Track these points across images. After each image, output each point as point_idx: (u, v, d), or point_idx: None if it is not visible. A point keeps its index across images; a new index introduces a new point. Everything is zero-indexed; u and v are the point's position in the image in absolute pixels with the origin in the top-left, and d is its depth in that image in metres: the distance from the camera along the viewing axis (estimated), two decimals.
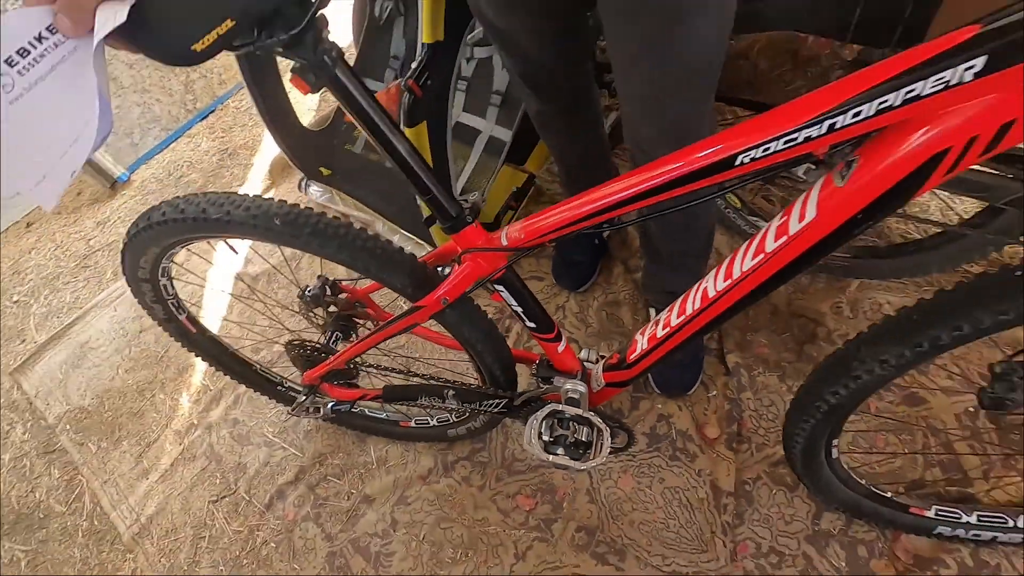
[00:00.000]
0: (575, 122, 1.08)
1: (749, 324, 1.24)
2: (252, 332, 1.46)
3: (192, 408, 1.47)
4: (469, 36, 1.20)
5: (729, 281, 0.59)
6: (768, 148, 0.45)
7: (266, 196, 0.74)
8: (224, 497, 1.31)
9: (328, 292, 0.92)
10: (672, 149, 0.50)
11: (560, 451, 0.81)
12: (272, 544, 1.22)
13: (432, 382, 0.93)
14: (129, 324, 1.67)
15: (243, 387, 1.45)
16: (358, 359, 0.95)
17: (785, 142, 0.44)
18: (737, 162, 0.46)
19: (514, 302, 0.72)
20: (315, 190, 1.74)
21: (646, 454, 1.14)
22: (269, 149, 2.02)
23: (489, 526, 1.14)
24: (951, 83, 0.37)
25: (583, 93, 1.03)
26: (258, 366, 1.23)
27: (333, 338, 0.95)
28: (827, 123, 0.42)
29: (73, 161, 0.47)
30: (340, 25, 1.67)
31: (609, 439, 0.79)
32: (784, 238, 0.53)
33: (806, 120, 0.43)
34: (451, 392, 0.92)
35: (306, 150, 1.68)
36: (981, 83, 0.37)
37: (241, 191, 1.53)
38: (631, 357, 0.76)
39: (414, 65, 1.11)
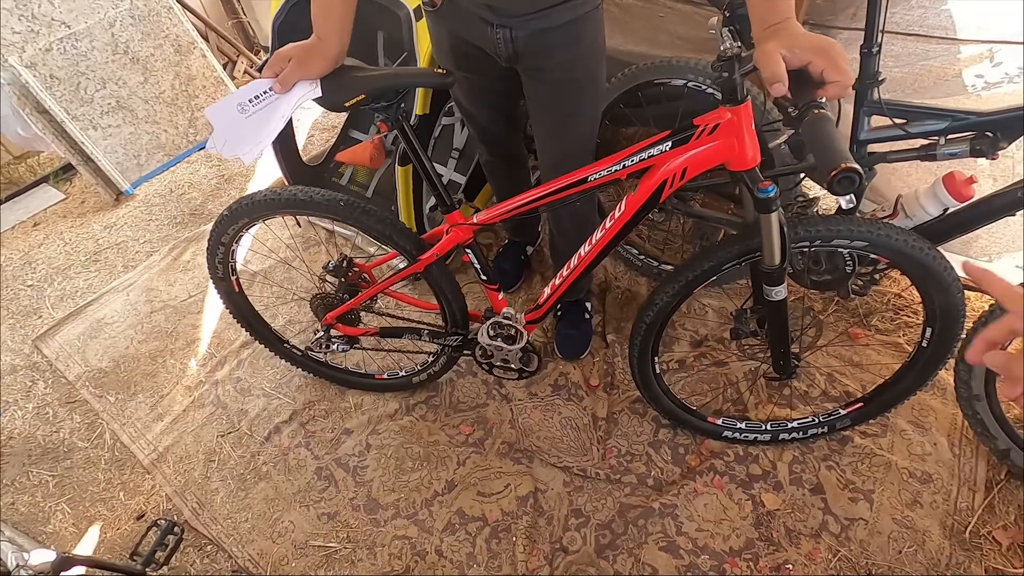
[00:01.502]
0: (511, 169, 1.65)
1: (622, 315, 1.82)
2: (283, 291, 1.86)
3: (200, 370, 1.83)
4: (443, 112, 1.79)
5: (592, 245, 1.15)
6: (600, 174, 1.02)
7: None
8: (230, 433, 1.68)
9: (345, 265, 1.41)
10: None
11: (499, 340, 1.33)
12: (271, 464, 1.61)
13: (414, 323, 1.42)
14: (142, 306, 2.02)
15: (245, 352, 1.86)
16: (363, 307, 1.43)
17: (607, 171, 1.01)
18: (588, 179, 1.03)
19: (476, 262, 1.25)
20: None
21: (551, 397, 1.66)
22: (263, 178, 2.48)
23: (439, 446, 1.60)
24: (664, 151, 0.96)
25: (517, 152, 1.61)
26: (271, 326, 1.66)
27: (345, 294, 1.42)
28: (623, 164, 1.00)
29: (256, 151, 0.97)
30: None
31: (527, 341, 1.32)
32: (617, 216, 1.09)
33: (616, 162, 1.00)
34: (427, 330, 1.42)
35: (303, 178, 2.17)
36: (673, 152, 0.96)
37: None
38: (540, 301, 1.31)
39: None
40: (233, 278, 1.47)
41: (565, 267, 1.23)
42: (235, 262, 1.44)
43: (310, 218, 2.16)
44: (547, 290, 1.30)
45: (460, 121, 1.94)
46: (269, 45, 1.84)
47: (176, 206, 2.41)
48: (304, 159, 2.20)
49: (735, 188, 1.29)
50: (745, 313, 1.25)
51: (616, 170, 1.00)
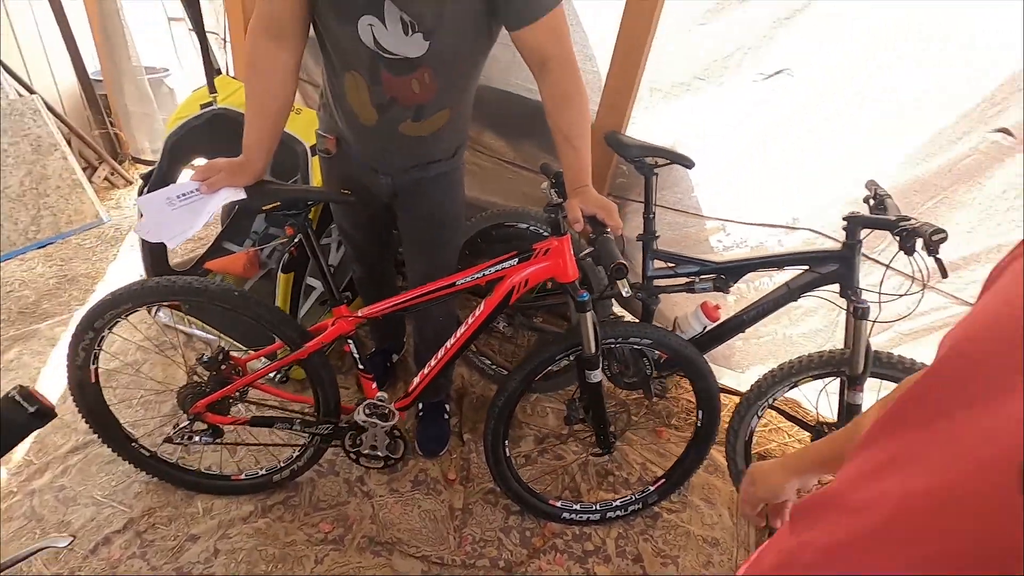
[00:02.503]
0: (381, 287, 1.90)
1: (477, 416, 2.05)
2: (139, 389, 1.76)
3: (12, 479, 1.63)
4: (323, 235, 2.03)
5: (455, 339, 1.42)
6: (465, 280, 1.33)
7: None
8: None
9: (221, 357, 1.50)
10: None
11: (373, 418, 1.47)
12: None
13: (285, 413, 1.51)
14: None
15: (75, 459, 1.72)
16: (235, 397, 1.49)
17: (471, 278, 1.33)
18: (456, 284, 1.33)
19: (356, 352, 1.44)
20: (162, 315, 2.20)
21: (411, 492, 1.78)
22: (115, 279, 2.41)
23: (296, 546, 1.60)
24: (512, 265, 1.31)
25: (388, 271, 1.89)
26: (122, 422, 1.59)
27: (217, 384, 1.48)
28: (483, 273, 1.32)
29: (182, 238, 1.13)
30: None
31: (396, 421, 1.48)
32: (477, 314, 1.39)
33: (478, 271, 1.32)
34: (298, 420, 1.51)
35: None
36: (519, 267, 1.31)
37: (79, 311, 1.99)
38: (410, 390, 1.51)
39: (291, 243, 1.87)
40: (93, 367, 1.45)
41: (433, 358, 1.47)
42: (100, 350, 1.44)
43: (173, 320, 2.14)
44: (416, 379, 1.51)
45: (336, 242, 2.19)
46: (159, 159, 1.98)
47: (3, 304, 2.22)
48: (172, 263, 2.24)
49: (566, 309, 1.69)
50: (575, 401, 1.59)
51: (477, 277, 1.32)
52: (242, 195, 1.17)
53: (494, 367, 2.18)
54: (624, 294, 1.02)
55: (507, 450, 1.61)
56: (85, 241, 2.63)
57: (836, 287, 1.55)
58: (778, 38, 1.60)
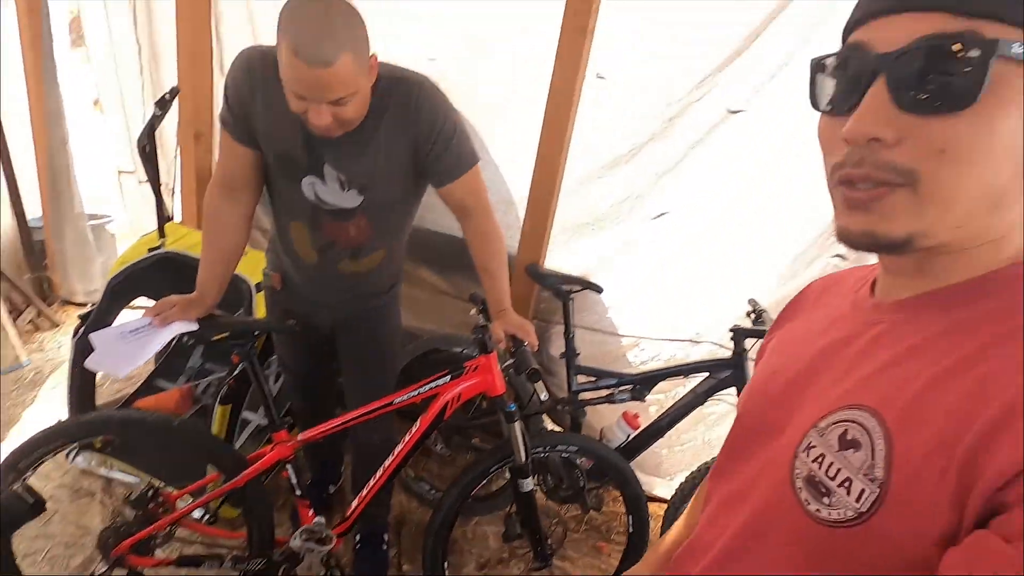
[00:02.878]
0: (320, 416, 1.93)
1: (415, 546, 2.02)
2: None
3: None
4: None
5: (393, 457, 1.48)
6: (402, 399, 1.43)
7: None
8: None
9: (150, 494, 1.48)
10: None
11: (310, 543, 1.44)
12: None
13: (215, 549, 1.47)
14: None
15: None
16: (163, 536, 1.45)
17: (407, 396, 1.43)
18: (394, 403, 1.43)
19: (294, 478, 1.46)
20: (80, 459, 2.10)
21: None
22: (31, 424, 2.29)
23: None
24: (445, 382, 1.44)
25: (327, 401, 1.95)
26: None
27: (143, 523, 1.44)
28: (418, 391, 1.43)
29: (131, 368, 1.21)
30: None
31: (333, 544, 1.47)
32: (414, 431, 1.47)
33: (414, 390, 1.43)
34: (229, 556, 1.47)
35: None
36: (451, 384, 1.44)
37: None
38: (348, 514, 1.52)
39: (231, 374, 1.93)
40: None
41: (372, 478, 1.52)
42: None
43: (92, 464, 2.05)
44: (355, 502, 1.53)
45: (275, 374, 2.25)
46: (100, 299, 2.04)
47: None
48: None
49: (503, 430, 1.79)
50: (511, 516, 1.64)
51: (413, 396, 1.43)
52: (194, 327, 1.27)
53: (433, 491, 2.18)
54: (542, 398, 1.16)
55: (446, 571, 1.60)
56: (2, 384, 2.52)
57: (734, 390, 1.77)
58: (663, 185, 1.97)
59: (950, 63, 0.37)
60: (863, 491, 0.40)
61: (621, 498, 1.88)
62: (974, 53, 0.36)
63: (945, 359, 0.41)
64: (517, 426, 1.42)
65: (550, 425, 2.28)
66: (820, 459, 0.44)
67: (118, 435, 1.38)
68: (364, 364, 1.67)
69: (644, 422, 1.91)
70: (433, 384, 1.43)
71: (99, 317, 2.01)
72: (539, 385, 1.19)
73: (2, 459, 1.35)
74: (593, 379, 1.92)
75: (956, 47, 0.37)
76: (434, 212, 2.20)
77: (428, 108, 1.25)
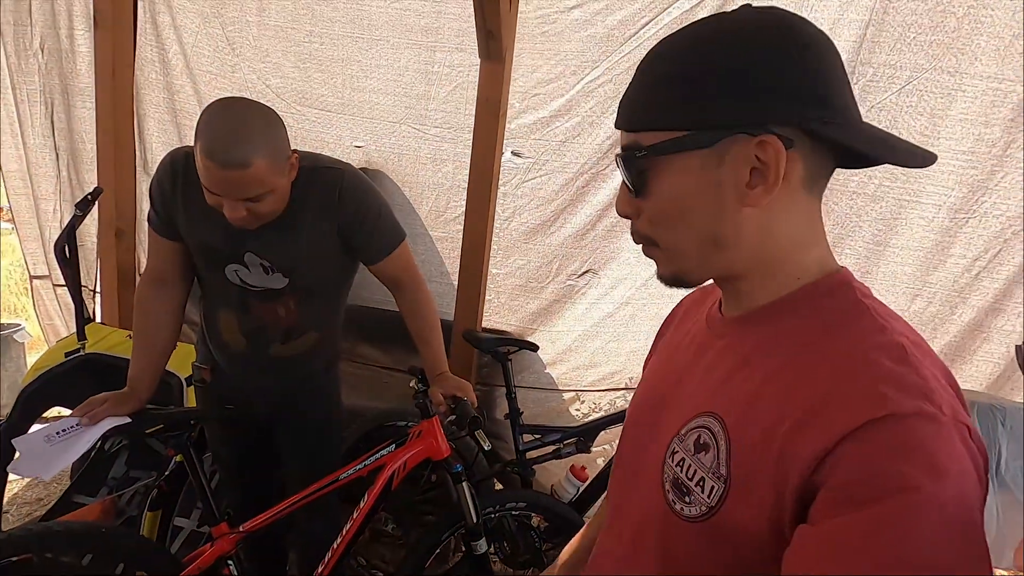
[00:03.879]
0: (260, 511, 1.86)
1: None
2: None
3: None
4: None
5: (342, 537, 1.44)
6: (348, 474, 1.42)
7: None
8: None
9: None
10: None
11: None
12: None
13: None
14: None
15: None
16: None
17: (353, 471, 1.42)
18: (340, 479, 1.41)
19: (236, 573, 1.39)
20: None
21: None
22: None
23: None
24: (390, 451, 1.44)
25: (265, 496, 1.83)
26: None
27: None
28: (364, 464, 1.42)
29: (57, 469, 1.15)
30: None
31: None
32: (362, 507, 1.44)
33: (359, 463, 1.42)
34: None
35: None
36: (397, 452, 1.44)
37: None
38: None
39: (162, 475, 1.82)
40: None
41: (321, 564, 1.46)
42: None
43: None
44: None
45: (209, 473, 2.13)
46: (9, 412, 1.90)
47: None
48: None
49: (452, 495, 1.77)
50: None
51: (359, 469, 1.43)
52: (126, 421, 1.23)
53: None
54: (485, 447, 1.20)
55: None
56: None
57: None
58: (583, 245, 2.13)
59: (629, 164, 0.53)
60: (713, 487, 0.48)
61: None
62: (638, 156, 0.52)
63: (761, 370, 0.50)
64: (465, 486, 1.43)
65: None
66: (681, 463, 0.52)
67: (38, 552, 1.27)
68: (305, 447, 1.64)
69: (592, 473, 1.96)
70: (377, 455, 1.44)
71: (7, 430, 1.87)
72: (481, 435, 1.22)
73: None
74: (539, 436, 1.97)
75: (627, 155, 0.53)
76: (368, 288, 2.26)
77: (351, 196, 1.32)
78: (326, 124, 2.23)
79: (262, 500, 1.85)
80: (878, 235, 1.90)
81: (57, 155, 2.52)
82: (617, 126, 0.54)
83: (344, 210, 1.32)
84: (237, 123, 1.12)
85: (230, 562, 1.39)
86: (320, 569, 1.46)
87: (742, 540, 0.46)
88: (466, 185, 2.06)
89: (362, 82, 2.15)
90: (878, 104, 1.80)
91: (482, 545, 1.47)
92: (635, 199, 0.54)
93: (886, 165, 0.52)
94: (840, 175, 0.73)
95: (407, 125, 2.15)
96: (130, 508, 2.19)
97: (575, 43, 1.96)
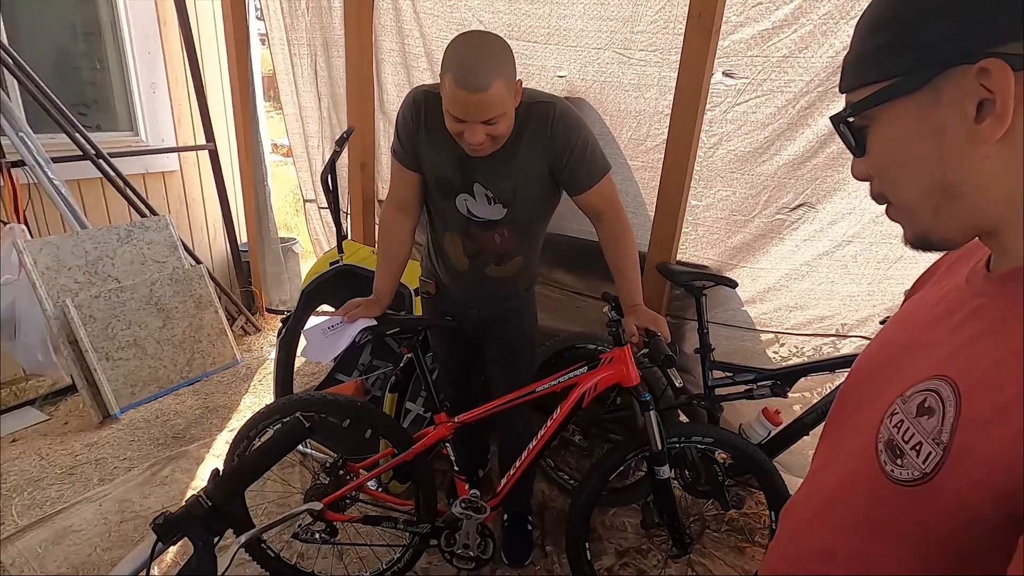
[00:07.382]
0: (469, 404, 2.17)
1: (557, 530, 2.16)
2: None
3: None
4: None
5: (536, 440, 1.64)
6: (544, 388, 1.58)
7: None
8: None
9: (340, 463, 1.78)
10: None
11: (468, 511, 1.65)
12: None
13: (391, 513, 1.74)
14: (112, 516, 2.13)
15: None
16: (347, 499, 1.75)
17: (548, 386, 1.58)
18: (536, 391, 1.59)
19: (453, 455, 1.68)
20: None
21: None
22: (247, 409, 2.84)
23: None
24: (583, 372, 1.56)
25: (476, 390, 2.17)
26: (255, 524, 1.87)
27: (336, 485, 1.75)
28: (559, 380, 1.57)
29: (331, 356, 1.50)
30: None
31: (487, 515, 1.66)
32: (555, 417, 1.61)
33: (554, 379, 1.58)
34: (402, 519, 1.73)
35: None
36: (589, 374, 1.56)
37: (220, 436, 2.40)
38: (498, 490, 1.71)
39: (396, 367, 2.23)
40: None
41: (518, 459, 1.69)
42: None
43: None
44: (503, 480, 1.72)
45: (431, 369, 2.54)
46: (296, 306, 2.48)
47: (160, 430, 2.67)
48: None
49: (636, 422, 1.87)
50: (649, 504, 1.71)
51: (554, 384, 1.58)
52: (373, 323, 1.55)
53: (572, 482, 2.31)
54: (677, 384, 1.24)
55: (588, 553, 1.72)
56: (223, 379, 3.14)
57: None
58: (800, 175, 1.92)
59: (843, 127, 0.53)
60: (930, 454, 0.45)
61: (764, 498, 1.86)
62: (847, 117, 0.52)
63: (1013, 339, 0.44)
64: (652, 415, 1.50)
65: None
66: (900, 424, 0.49)
67: (318, 412, 1.69)
68: (507, 358, 1.86)
69: (787, 419, 1.87)
70: (572, 374, 1.57)
71: (295, 320, 2.45)
72: (673, 372, 1.26)
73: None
74: (730, 374, 1.92)
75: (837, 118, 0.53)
76: (566, 219, 2.35)
77: (562, 130, 1.42)
78: (531, 55, 2.28)
79: (472, 396, 2.17)
80: None
81: (319, 99, 3.03)
82: (840, 90, 0.54)
83: (555, 142, 1.41)
84: (479, 51, 1.27)
85: (447, 445, 1.68)
86: (517, 463, 1.68)
87: (954, 513, 0.44)
88: (669, 111, 1.97)
89: (567, 8, 2.14)
90: None
91: (665, 471, 1.55)
92: (862, 161, 0.54)
93: None
94: None
95: (611, 51, 2.10)
96: (374, 389, 2.74)
97: None
